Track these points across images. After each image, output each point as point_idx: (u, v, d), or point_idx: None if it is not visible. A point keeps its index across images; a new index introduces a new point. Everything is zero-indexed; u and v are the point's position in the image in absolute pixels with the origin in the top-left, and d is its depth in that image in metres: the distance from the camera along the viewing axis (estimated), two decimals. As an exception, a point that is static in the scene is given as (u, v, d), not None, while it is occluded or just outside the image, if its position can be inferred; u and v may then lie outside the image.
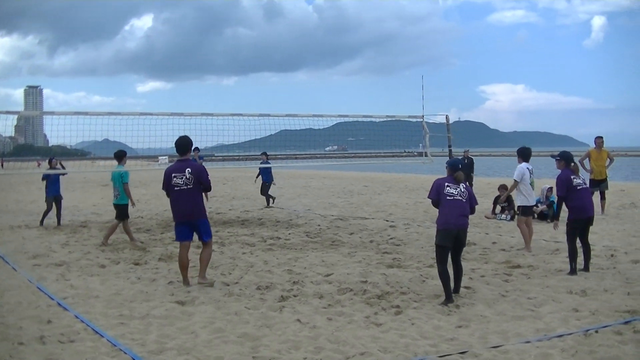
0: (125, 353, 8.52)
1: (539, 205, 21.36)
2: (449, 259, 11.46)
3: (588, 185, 13.48)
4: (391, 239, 18.51)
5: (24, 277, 13.43)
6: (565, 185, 13.28)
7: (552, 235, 17.32)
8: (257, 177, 29.73)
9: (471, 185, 24.90)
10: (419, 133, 23.86)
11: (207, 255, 12.83)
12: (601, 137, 23.44)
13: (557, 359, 8.08)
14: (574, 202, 13.27)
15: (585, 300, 10.94)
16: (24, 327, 9.67)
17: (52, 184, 22.31)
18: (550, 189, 21.85)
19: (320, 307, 10.81)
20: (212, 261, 14.70)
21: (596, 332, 9.15)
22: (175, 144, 12.80)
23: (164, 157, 60.98)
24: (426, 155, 23.76)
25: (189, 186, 12.40)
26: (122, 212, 18.11)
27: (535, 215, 20.96)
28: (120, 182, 17.91)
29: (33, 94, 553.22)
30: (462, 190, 11.49)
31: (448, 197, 11.34)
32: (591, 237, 16.93)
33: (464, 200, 11.44)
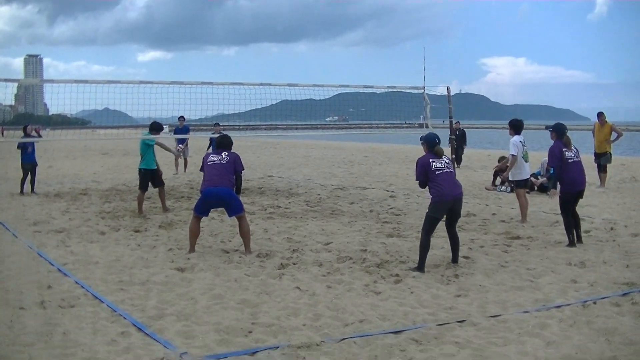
0: (125, 318, 8.55)
1: (539, 177, 21.36)
2: (446, 231, 11.54)
3: (580, 159, 13.42)
4: (391, 208, 18.54)
5: (24, 243, 13.46)
6: (557, 157, 13.25)
7: (551, 207, 17.33)
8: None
9: (460, 158, 24.88)
10: (420, 104, 23.79)
11: (246, 228, 12.73)
12: (601, 113, 23.68)
13: (555, 329, 8.10)
14: (565, 174, 13.23)
15: (584, 272, 10.96)
16: (24, 292, 9.70)
17: (27, 152, 22.17)
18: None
19: (320, 275, 10.84)
20: (212, 229, 14.82)
21: (594, 303, 9.17)
22: (216, 142, 13.53)
23: (164, 126, 60.94)
24: (427, 127, 23.70)
25: (222, 162, 12.59)
26: (143, 177, 17.90)
27: (536, 188, 20.97)
28: (145, 147, 17.79)
29: (33, 62, 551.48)
30: (447, 162, 11.55)
31: (437, 172, 11.30)
32: (591, 210, 17.06)
33: (452, 172, 11.53)
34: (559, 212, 13.45)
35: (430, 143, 11.61)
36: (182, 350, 7.34)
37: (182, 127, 28.56)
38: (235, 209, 12.62)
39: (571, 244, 13.00)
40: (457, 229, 11.79)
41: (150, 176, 17.84)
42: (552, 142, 13.62)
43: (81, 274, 10.84)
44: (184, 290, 9.94)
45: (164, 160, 17.92)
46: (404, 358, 7.16)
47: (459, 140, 28.53)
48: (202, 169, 12.89)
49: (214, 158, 12.67)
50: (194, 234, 12.74)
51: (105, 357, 7.15)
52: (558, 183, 13.39)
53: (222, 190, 12.38)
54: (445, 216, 11.52)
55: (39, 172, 23.91)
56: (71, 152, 47.43)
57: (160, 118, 19.05)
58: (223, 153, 12.81)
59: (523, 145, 15.90)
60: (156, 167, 18.19)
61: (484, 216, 16.83)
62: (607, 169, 23.39)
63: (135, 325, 8.26)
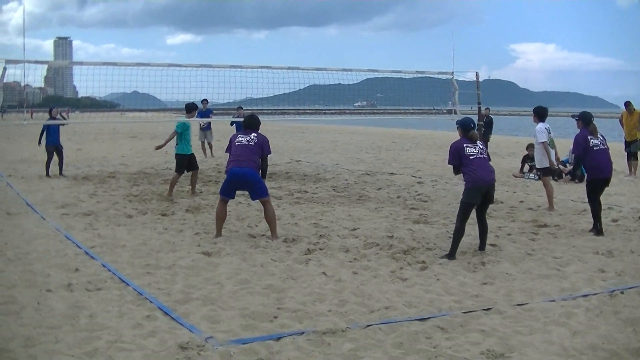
0: (151, 302, 8.58)
1: (567, 165, 21.24)
2: (474, 216, 11.49)
3: (606, 147, 13.41)
4: (418, 195, 18.49)
5: (52, 226, 13.53)
6: (580, 145, 13.30)
7: (579, 195, 17.25)
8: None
9: (487, 145, 24.76)
10: (449, 90, 23.70)
11: (271, 213, 12.67)
12: (629, 102, 23.71)
13: (581, 319, 8.06)
14: (591, 162, 13.29)
15: (611, 261, 10.90)
16: (51, 274, 9.76)
17: (51, 134, 22.21)
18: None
19: (346, 260, 10.83)
20: (239, 213, 14.84)
21: (621, 293, 9.11)
22: (243, 121, 13.31)
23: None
24: (455, 113, 23.61)
25: (250, 143, 12.51)
26: (180, 162, 18.04)
27: (564, 175, 20.87)
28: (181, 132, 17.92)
29: (63, 45, 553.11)
30: (481, 147, 11.52)
31: (471, 157, 11.26)
32: (618, 199, 16.95)
33: (486, 157, 11.49)
34: (587, 200, 13.38)
35: (466, 127, 11.57)
36: (208, 334, 7.35)
37: (205, 110, 28.58)
38: (259, 191, 12.57)
39: (598, 232, 12.96)
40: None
41: (187, 161, 17.93)
42: (578, 131, 13.62)
43: (108, 257, 10.89)
44: (210, 274, 9.96)
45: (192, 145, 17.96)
46: (430, 345, 7.14)
47: (486, 128, 28.35)
48: (228, 150, 12.81)
49: (242, 138, 12.59)
50: (221, 218, 12.74)
51: (131, 340, 7.17)
52: (584, 171, 13.39)
53: (247, 171, 12.32)
54: None
55: (67, 155, 24.03)
56: (99, 135, 47.60)
57: (189, 101, 19.08)
58: (252, 134, 12.71)
59: (548, 133, 15.81)
60: (192, 152, 18.30)
61: (512, 203, 16.77)
62: (633, 156, 23.19)
63: (161, 309, 8.29)
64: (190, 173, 18.40)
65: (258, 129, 13.03)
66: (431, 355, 6.83)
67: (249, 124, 13.00)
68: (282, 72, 22.25)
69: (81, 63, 20.51)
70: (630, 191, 19.04)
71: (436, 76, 25.19)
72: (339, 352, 6.90)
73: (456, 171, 11.58)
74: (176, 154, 18.08)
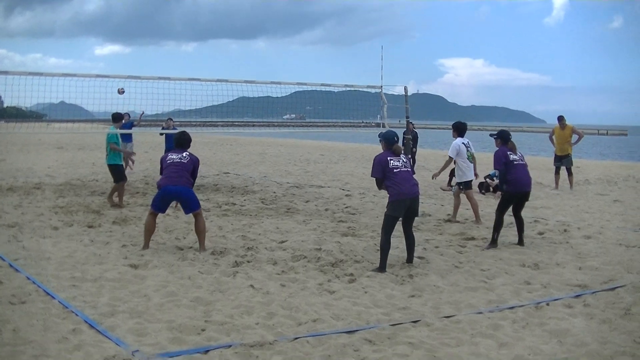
0: (77, 315, 8.47)
1: (494, 179, 21.50)
2: (402, 230, 11.59)
3: (525, 163, 13.69)
4: (346, 207, 18.55)
5: (-26, 237, 13.28)
6: (501, 160, 13.47)
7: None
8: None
9: (414, 159, 24.97)
10: (377, 104, 23.79)
11: (201, 225, 12.66)
12: (562, 116, 24.13)
13: (507, 330, 8.16)
14: (512, 176, 13.40)
15: (537, 274, 11.06)
16: (-26, 287, 9.58)
17: None
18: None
19: (274, 273, 10.82)
20: (166, 225, 14.73)
21: (547, 304, 9.26)
22: (174, 139, 13.37)
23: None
24: (384, 126, 23.71)
25: (182, 161, 12.58)
26: (113, 172, 18.24)
27: (491, 189, 21.14)
28: (108, 143, 18.11)
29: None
30: (405, 161, 11.63)
31: (395, 170, 11.36)
32: (545, 212, 17.23)
33: (410, 170, 11.64)
34: (512, 213, 13.54)
35: (389, 140, 11.68)
36: (134, 348, 7.28)
37: (127, 123, 28.22)
38: (192, 206, 12.57)
39: (493, 243, 13.30)
40: (412, 229, 11.81)
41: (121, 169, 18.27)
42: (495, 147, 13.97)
43: (33, 270, 10.71)
44: (137, 287, 9.87)
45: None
46: (357, 358, 7.16)
47: (413, 142, 28.52)
48: (161, 172, 12.84)
49: (174, 156, 12.65)
50: (150, 230, 12.65)
51: (56, 354, 7.07)
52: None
53: (182, 189, 12.39)
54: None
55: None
56: (25, 146, 46.89)
57: (116, 112, 18.98)
58: (184, 153, 12.79)
59: (467, 147, 16.07)
60: (122, 162, 18.43)
61: (440, 216, 16.90)
62: (567, 171, 23.60)
63: (87, 322, 8.18)
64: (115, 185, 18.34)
65: (189, 147, 13.09)
66: (359, 367, 6.85)
67: (180, 141, 13.02)
68: (211, 85, 22.14)
69: (6, 72, 20.13)
70: (556, 204, 19.35)
71: (365, 90, 25.29)
72: (267, 365, 6.89)
73: (379, 184, 11.64)
74: (110, 165, 18.15)
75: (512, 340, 7.79)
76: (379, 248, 11.46)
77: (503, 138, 13.82)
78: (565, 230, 14.96)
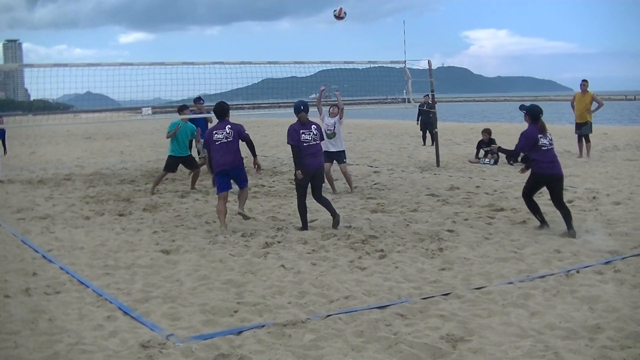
0: (111, 302, 8.56)
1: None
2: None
3: (553, 146, 12.16)
4: (375, 184, 18.56)
5: (8, 231, 13.42)
6: (527, 143, 12.14)
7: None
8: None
9: (433, 132, 24.25)
10: (402, 79, 23.76)
11: (245, 194, 13.57)
12: (586, 81, 23.44)
13: (539, 299, 8.16)
14: (541, 158, 12.05)
15: (567, 242, 11.03)
16: (9, 280, 9.68)
17: None
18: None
19: (305, 252, 10.88)
20: (196, 210, 14.87)
21: (577, 272, 9.25)
22: (214, 111, 13.80)
23: (147, 109, 60.69)
24: (409, 101, 23.71)
25: (228, 139, 13.03)
26: (169, 162, 18.55)
27: (519, 159, 21.08)
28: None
29: (12, 47, 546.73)
30: (315, 133, 12.97)
31: (304, 144, 12.81)
32: (574, 180, 17.14)
33: (319, 142, 13.07)
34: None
35: (295, 111, 13.16)
36: (169, 332, 7.35)
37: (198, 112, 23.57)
38: (242, 182, 13.38)
39: (543, 223, 12.31)
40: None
41: (181, 162, 18.53)
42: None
43: (66, 260, 10.84)
44: (170, 272, 9.96)
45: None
46: (390, 332, 7.19)
47: (427, 115, 28.07)
48: (205, 146, 13.41)
49: (220, 136, 13.01)
50: (222, 212, 13.05)
51: (92, 342, 7.15)
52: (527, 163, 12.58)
53: (234, 169, 13.15)
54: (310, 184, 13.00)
55: (21, 159, 23.81)
56: (53, 138, 47.18)
57: (143, 100, 19.06)
58: (227, 127, 13.13)
59: None
60: (188, 154, 18.74)
61: (468, 189, 16.86)
62: (585, 138, 23.30)
63: (121, 309, 8.28)
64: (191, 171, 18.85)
65: (229, 115, 13.61)
66: (392, 342, 6.88)
67: (222, 112, 13.47)
68: (236, 67, 22.18)
69: (31, 65, 20.32)
70: (584, 172, 19.23)
71: (389, 65, 25.25)
72: (300, 344, 6.94)
73: (294, 153, 13.04)
74: (168, 155, 18.56)
75: (543, 308, 7.79)
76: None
77: (533, 115, 12.26)
78: (594, 198, 14.90)
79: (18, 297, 8.84)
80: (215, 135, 13.03)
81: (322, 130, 13.30)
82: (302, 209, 12.85)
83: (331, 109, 17.31)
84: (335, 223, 12.61)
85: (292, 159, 12.95)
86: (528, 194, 12.40)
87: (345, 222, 13.00)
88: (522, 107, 12.87)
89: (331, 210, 12.81)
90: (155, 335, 7.30)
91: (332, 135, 16.77)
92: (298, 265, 10.07)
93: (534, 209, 12.40)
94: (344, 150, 17.20)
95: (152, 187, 18.17)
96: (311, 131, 12.90)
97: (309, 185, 13.03)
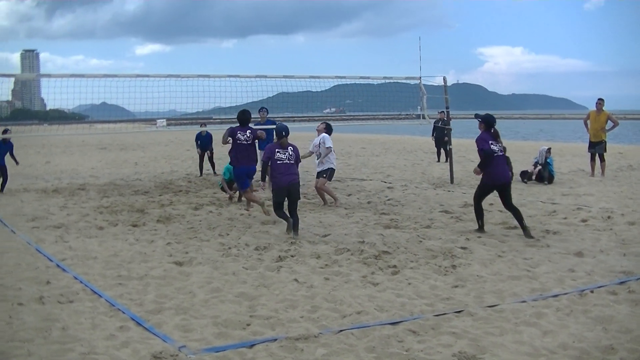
0: (124, 313, 8.58)
1: (537, 165, 21.36)
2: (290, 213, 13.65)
3: (503, 154, 13.58)
4: (389, 200, 18.55)
5: (22, 239, 13.47)
6: (485, 144, 13.32)
7: (549, 196, 17.37)
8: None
9: (448, 149, 24.18)
10: (417, 95, 23.77)
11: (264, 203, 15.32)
12: (602, 99, 23.32)
13: (551, 318, 8.14)
14: (488, 167, 13.30)
15: (581, 261, 10.99)
16: (23, 288, 9.71)
17: None
18: (549, 150, 21.79)
19: (318, 267, 10.88)
20: (210, 222, 14.87)
21: (591, 292, 9.21)
22: (237, 117, 16.09)
23: (162, 120, 60.86)
24: (424, 118, 23.72)
25: (290, 161, 13.98)
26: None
27: (533, 177, 21.02)
28: None
29: (29, 57, 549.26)
30: (290, 154, 13.92)
31: (278, 162, 13.72)
32: (588, 199, 17.09)
33: (292, 162, 13.91)
34: (556, 201, 13.42)
35: (278, 134, 14.00)
36: (181, 343, 7.37)
37: (263, 122, 22.26)
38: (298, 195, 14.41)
39: (480, 229, 13.58)
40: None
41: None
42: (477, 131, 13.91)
43: (80, 269, 10.87)
44: (182, 284, 9.97)
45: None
46: (402, 349, 7.18)
47: (442, 132, 27.95)
48: (265, 158, 13.97)
49: (282, 156, 13.87)
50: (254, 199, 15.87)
51: (104, 351, 7.17)
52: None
53: (295, 184, 13.98)
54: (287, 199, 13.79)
55: (37, 168, 23.87)
56: (68, 147, 47.36)
57: (158, 112, 19.09)
58: (289, 149, 14.02)
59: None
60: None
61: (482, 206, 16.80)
62: (599, 157, 23.20)
63: (133, 320, 8.30)
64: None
65: (249, 122, 16.44)
66: (403, 358, 6.88)
67: (245, 119, 16.28)
68: (251, 81, 22.25)
69: (49, 75, 20.39)
70: (599, 191, 19.17)
71: (404, 81, 25.29)
72: (312, 358, 6.94)
73: (264, 167, 13.87)
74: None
75: (556, 328, 7.77)
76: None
77: (488, 123, 13.62)
78: (608, 217, 14.84)
79: (32, 305, 8.87)
80: (278, 155, 13.84)
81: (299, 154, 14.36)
82: (283, 216, 13.87)
83: (319, 125, 17.82)
84: (294, 232, 13.57)
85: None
86: (478, 199, 13.66)
87: (359, 238, 13.00)
88: (477, 116, 14.05)
89: (294, 227, 13.66)
90: (167, 346, 7.31)
91: (317, 156, 17.84)
92: (311, 279, 10.07)
93: (480, 214, 13.65)
94: (330, 169, 17.92)
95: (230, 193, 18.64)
96: (287, 151, 13.91)
97: (286, 199, 13.87)
